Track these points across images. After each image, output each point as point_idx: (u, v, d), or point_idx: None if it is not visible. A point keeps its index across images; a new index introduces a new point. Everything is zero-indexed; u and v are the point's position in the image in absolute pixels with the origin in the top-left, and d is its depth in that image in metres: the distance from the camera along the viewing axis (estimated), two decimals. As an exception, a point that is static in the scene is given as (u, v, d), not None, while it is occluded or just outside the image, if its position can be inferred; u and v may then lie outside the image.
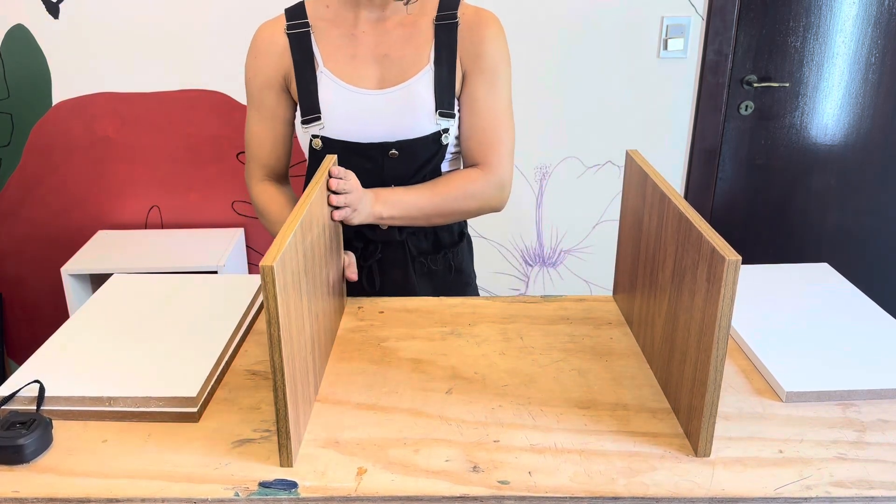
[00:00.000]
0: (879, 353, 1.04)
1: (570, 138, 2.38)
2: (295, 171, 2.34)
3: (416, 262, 1.34)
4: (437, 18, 1.23)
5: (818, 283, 1.26)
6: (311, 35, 1.24)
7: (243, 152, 2.32)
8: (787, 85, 2.37)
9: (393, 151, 1.24)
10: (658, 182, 0.99)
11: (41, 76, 2.21)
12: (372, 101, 1.23)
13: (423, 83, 1.22)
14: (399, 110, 1.23)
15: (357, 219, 1.16)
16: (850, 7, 2.29)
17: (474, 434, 0.89)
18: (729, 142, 2.43)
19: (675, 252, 0.92)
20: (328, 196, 1.08)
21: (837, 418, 0.93)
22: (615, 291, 1.24)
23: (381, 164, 1.25)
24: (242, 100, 2.26)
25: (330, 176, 1.09)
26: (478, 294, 1.47)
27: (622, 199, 1.17)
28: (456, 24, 1.23)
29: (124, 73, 2.22)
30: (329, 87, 1.23)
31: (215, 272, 2.10)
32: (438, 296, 1.34)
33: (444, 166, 1.31)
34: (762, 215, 2.54)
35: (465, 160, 1.31)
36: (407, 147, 1.24)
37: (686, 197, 2.43)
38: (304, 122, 1.25)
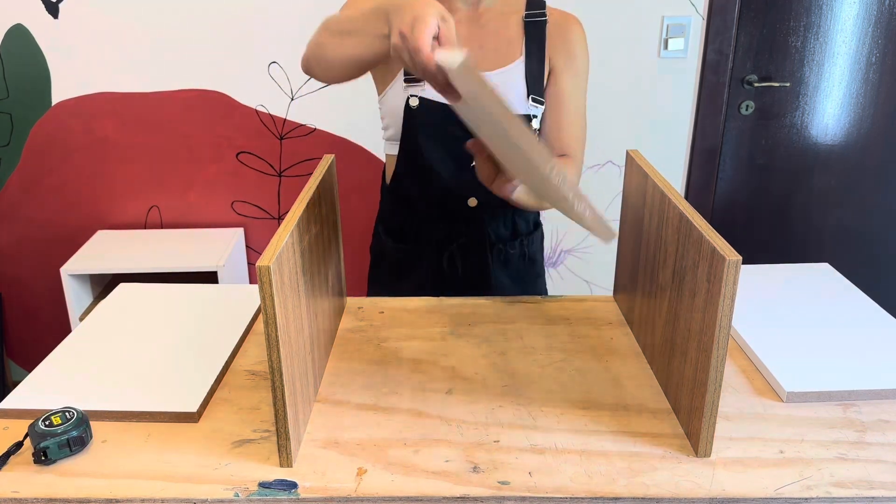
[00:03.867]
0: (880, 353, 1.04)
1: (570, 138, 2.38)
2: (294, 172, 2.35)
3: (495, 248, 1.37)
4: (527, 16, 1.29)
5: (819, 283, 1.26)
6: None
7: (243, 152, 2.31)
8: (788, 84, 2.37)
9: None
10: (658, 182, 0.99)
11: (41, 76, 2.21)
12: None
13: (516, 72, 1.27)
14: None
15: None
16: (851, 7, 2.29)
17: (474, 434, 0.89)
18: (729, 141, 2.43)
19: (675, 252, 0.91)
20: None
21: (838, 418, 0.92)
22: (615, 291, 1.24)
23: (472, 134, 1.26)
24: (242, 100, 2.26)
25: None
26: (546, 290, 1.50)
27: (622, 199, 1.17)
28: (544, 22, 1.29)
29: (124, 73, 2.22)
30: None
31: (215, 272, 2.10)
32: (513, 284, 1.37)
33: None
34: (763, 215, 2.54)
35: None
36: None
37: (686, 197, 2.43)
38: (406, 81, 1.26)
